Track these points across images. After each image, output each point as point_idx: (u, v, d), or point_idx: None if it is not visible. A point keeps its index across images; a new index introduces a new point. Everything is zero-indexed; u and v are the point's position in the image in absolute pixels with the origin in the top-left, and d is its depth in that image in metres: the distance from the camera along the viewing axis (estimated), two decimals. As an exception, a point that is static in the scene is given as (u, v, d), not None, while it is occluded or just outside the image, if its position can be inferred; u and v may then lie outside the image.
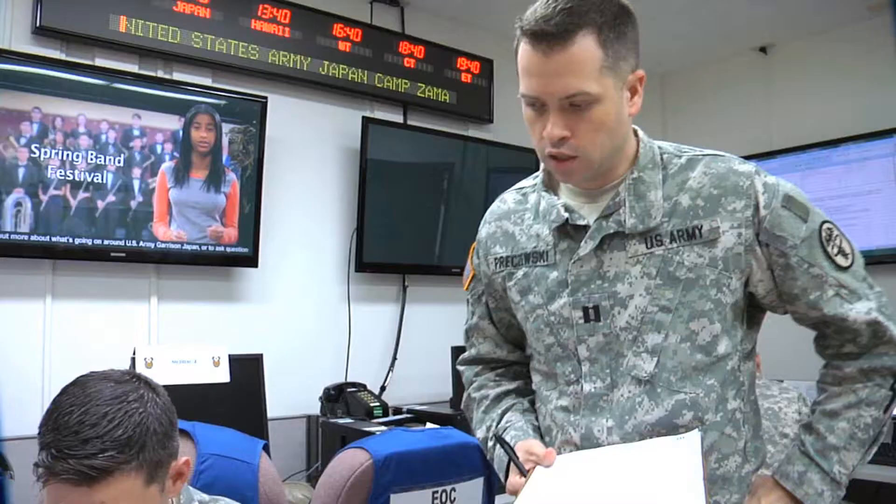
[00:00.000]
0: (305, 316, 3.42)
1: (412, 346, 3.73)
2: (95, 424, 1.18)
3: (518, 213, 1.52)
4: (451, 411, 3.30)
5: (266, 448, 1.83)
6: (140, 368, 2.58)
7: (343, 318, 3.51)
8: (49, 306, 2.77)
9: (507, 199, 1.56)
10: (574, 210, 1.40)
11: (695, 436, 1.27)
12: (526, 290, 1.47)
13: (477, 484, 2.22)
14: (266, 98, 3.16)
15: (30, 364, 2.73)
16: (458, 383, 3.49)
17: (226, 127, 3.04)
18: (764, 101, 4.29)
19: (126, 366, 2.59)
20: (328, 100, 3.54)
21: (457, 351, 3.55)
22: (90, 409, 1.20)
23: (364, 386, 3.29)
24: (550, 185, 1.47)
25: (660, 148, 1.41)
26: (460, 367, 1.70)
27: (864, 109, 3.91)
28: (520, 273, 1.48)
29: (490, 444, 1.53)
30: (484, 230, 1.60)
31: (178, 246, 2.94)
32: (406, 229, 3.67)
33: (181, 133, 2.94)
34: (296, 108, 3.43)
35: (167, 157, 2.91)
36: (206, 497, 1.47)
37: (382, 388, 3.56)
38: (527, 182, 1.54)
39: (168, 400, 1.32)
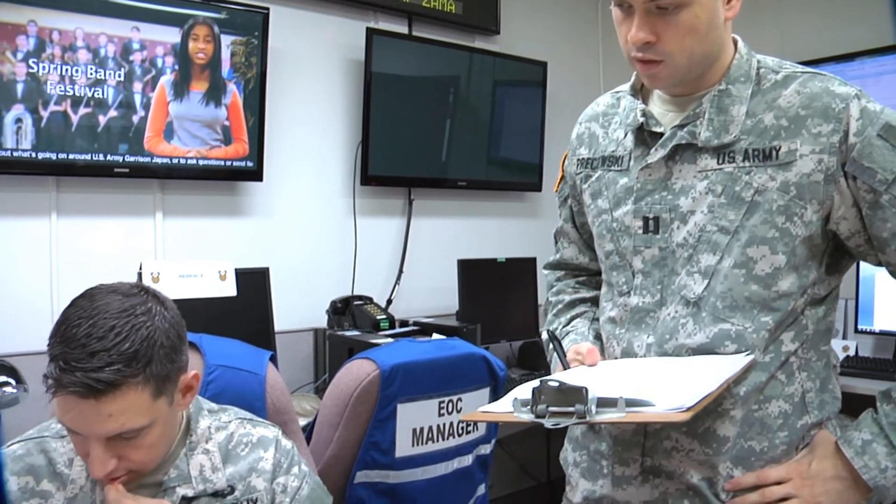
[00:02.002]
0: (311, 229, 3.42)
1: (418, 259, 3.74)
2: (102, 338, 1.19)
3: (608, 117, 1.48)
4: (457, 323, 3.33)
5: (273, 359, 1.84)
6: (146, 283, 2.59)
7: (349, 231, 3.50)
8: (55, 223, 2.77)
9: (601, 102, 1.52)
10: (653, 116, 1.35)
11: (742, 358, 1.24)
12: (597, 194, 1.44)
13: (483, 394, 2.24)
14: (268, 9, 3.08)
15: (38, 281, 2.74)
16: (464, 296, 3.52)
17: (226, 39, 2.98)
18: (774, 13, 4.17)
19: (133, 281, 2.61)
20: (331, 10, 3.46)
21: (463, 264, 3.56)
22: (97, 322, 1.20)
23: (370, 299, 3.31)
24: (640, 90, 1.42)
25: (759, 62, 1.32)
26: (544, 271, 1.69)
27: (879, 22, 3.77)
28: (595, 176, 1.45)
29: (545, 339, 1.53)
30: (575, 131, 1.56)
31: (181, 160, 2.92)
32: (411, 142, 3.63)
33: (180, 46, 2.89)
34: (298, 19, 3.36)
35: (168, 71, 2.87)
36: (214, 406, 1.49)
37: (389, 302, 3.58)
38: (624, 85, 1.46)
39: (177, 313, 1.32)
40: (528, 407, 1.16)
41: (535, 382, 1.16)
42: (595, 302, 1.56)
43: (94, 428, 1.20)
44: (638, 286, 1.36)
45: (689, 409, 1.05)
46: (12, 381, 2.20)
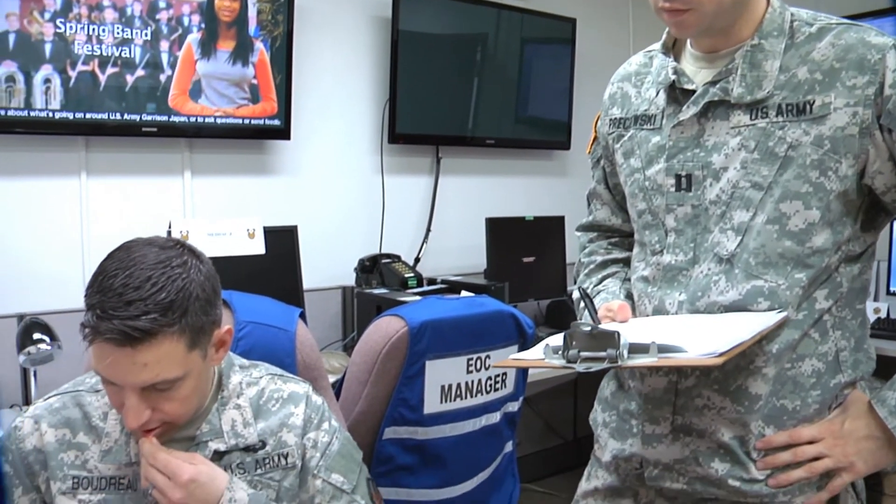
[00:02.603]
0: (339, 187, 3.42)
1: (446, 217, 3.73)
2: (139, 287, 1.20)
3: (640, 76, 1.46)
4: (485, 282, 3.33)
5: (303, 316, 1.85)
6: (177, 241, 2.61)
7: (377, 189, 3.50)
8: (84, 182, 2.79)
9: (633, 62, 1.50)
10: (685, 74, 1.33)
11: (773, 315, 1.22)
12: (629, 153, 1.43)
13: (511, 351, 2.24)
14: (293, -35, 3.07)
15: (68, 240, 2.77)
16: (492, 254, 3.52)
17: (252, -4, 2.96)
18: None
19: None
20: (357, -34, 3.43)
21: (491, 223, 3.55)
22: (134, 272, 1.21)
23: (398, 257, 3.31)
24: (672, 48, 1.40)
25: (793, 15, 1.28)
26: (577, 233, 1.69)
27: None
28: (627, 135, 1.44)
29: (576, 297, 1.52)
30: (607, 91, 1.54)
31: (209, 119, 2.92)
32: (439, 100, 3.61)
33: (206, 4, 2.88)
34: (324, -25, 3.34)
35: (195, 30, 2.86)
36: (245, 362, 1.50)
37: (417, 260, 3.58)
38: (656, 45, 1.44)
39: (211, 268, 1.33)
40: (560, 353, 1.15)
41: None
42: (627, 263, 1.54)
43: (129, 377, 1.21)
44: (671, 244, 1.35)
45: (721, 354, 1.05)
46: (46, 339, 2.23)
